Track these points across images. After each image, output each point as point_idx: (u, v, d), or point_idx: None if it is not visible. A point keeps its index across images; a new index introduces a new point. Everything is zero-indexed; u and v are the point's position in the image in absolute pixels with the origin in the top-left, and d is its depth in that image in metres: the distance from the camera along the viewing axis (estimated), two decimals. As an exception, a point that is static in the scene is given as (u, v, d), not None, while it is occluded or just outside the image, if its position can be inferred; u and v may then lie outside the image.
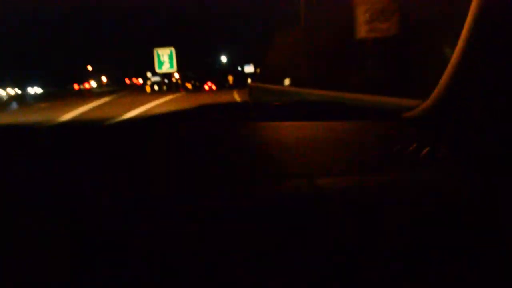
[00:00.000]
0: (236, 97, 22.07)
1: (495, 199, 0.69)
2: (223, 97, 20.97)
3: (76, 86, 54.25)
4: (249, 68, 60.33)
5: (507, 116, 0.76)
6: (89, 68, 66.55)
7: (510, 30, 0.74)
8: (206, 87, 57.71)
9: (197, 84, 69.33)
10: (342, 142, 0.97)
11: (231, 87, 56.96)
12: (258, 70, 25.88)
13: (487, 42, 0.79)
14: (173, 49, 33.25)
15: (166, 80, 39.23)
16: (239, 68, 72.24)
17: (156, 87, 45.79)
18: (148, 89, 34.61)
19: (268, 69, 24.73)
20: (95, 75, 65.29)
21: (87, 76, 62.24)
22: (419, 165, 0.81)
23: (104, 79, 61.76)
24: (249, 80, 21.52)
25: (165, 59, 33.17)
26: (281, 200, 0.67)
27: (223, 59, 70.65)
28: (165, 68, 33.38)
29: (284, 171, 0.80)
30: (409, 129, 1.03)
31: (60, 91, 40.20)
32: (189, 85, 66.59)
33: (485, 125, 0.80)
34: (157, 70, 33.46)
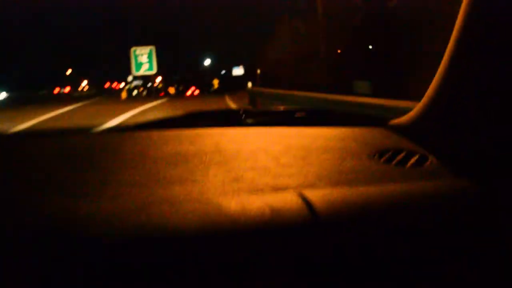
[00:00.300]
0: (231, 104, 18.10)
1: (487, 206, 0.71)
2: (215, 106, 16.91)
3: (56, 90, 52.02)
4: (238, 71, 55.87)
5: (498, 124, 0.78)
6: (69, 71, 64.13)
7: (500, 41, 0.76)
8: (189, 92, 54.41)
9: (181, 88, 66.34)
10: (329, 150, 0.96)
11: (217, 92, 54.23)
12: (258, 71, 21.63)
13: (475, 51, 0.82)
14: (153, 48, 28.65)
15: (149, 84, 34.50)
16: (223, 72, 70.07)
17: (135, 92, 41.66)
18: (124, 95, 29.87)
19: (274, 69, 21.65)
20: (75, 79, 62.25)
21: (65, 80, 59.55)
22: (407, 174, 0.81)
23: (84, 83, 59.78)
24: (249, 84, 17.37)
25: (144, 60, 28.50)
26: (269, 216, 0.64)
27: (207, 61, 68.87)
28: (144, 70, 28.72)
29: (271, 182, 0.77)
30: (396, 136, 1.05)
31: (30, 96, 35.55)
32: (172, 90, 63.21)
33: (475, 134, 0.82)
34: (134, 72, 28.81)
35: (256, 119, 1.35)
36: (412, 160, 0.86)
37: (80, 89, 58.62)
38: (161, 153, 0.96)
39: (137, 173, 0.84)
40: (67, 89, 57.64)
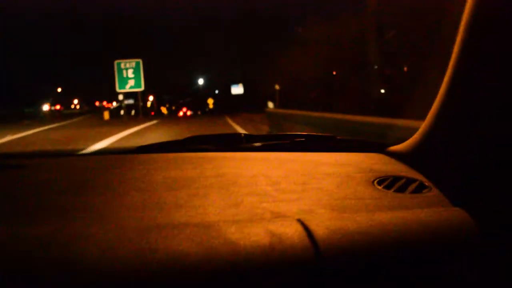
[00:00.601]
0: (239, 129, 13.92)
1: (485, 235, 0.70)
2: (218, 130, 12.66)
3: (47, 107, 50.79)
4: (237, 89, 52.51)
5: (498, 153, 0.77)
6: (59, 89, 62.32)
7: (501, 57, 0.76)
8: (181, 113, 50.52)
9: (173, 108, 62.34)
10: (329, 176, 0.96)
11: (213, 113, 50.59)
12: (277, 87, 17.47)
13: (474, 79, 0.81)
14: (140, 62, 24.44)
15: (141, 103, 30.12)
16: (217, 91, 66.37)
17: (122, 112, 37.71)
18: (106, 115, 25.38)
19: (296, 85, 17.78)
20: (65, 97, 60.67)
21: (56, 97, 58.24)
22: (406, 201, 0.81)
23: (75, 101, 58.24)
24: (269, 105, 13.45)
25: (130, 75, 24.22)
26: (269, 244, 0.64)
27: (200, 81, 65.38)
28: (129, 86, 24.44)
29: (271, 208, 0.77)
30: (395, 163, 1.04)
31: (10, 114, 32.43)
32: (164, 110, 59.69)
33: (475, 162, 0.81)
34: (118, 89, 24.49)
35: (257, 144, 1.35)
36: (412, 187, 0.87)
37: (72, 106, 58.16)
38: (162, 177, 0.97)
39: (139, 197, 0.85)
40: (58, 107, 57.20)
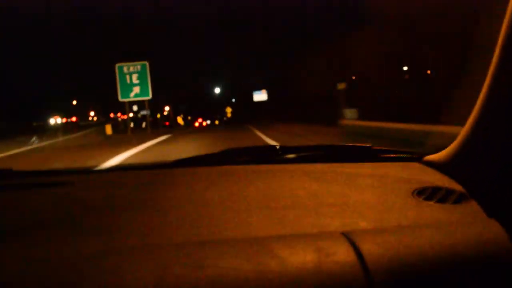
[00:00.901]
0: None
1: None
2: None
3: (62, 120, 50.98)
4: (260, 96, 47.02)
5: None
6: (74, 102, 61.04)
7: None
8: (196, 124, 46.99)
9: (189, 118, 59.05)
10: (368, 187, 0.95)
11: (229, 123, 46.76)
12: (341, 86, 13.18)
13: None
14: (146, 65, 20.29)
15: (148, 114, 26.23)
16: (233, 100, 62.75)
17: (131, 125, 33.95)
18: (108, 130, 21.26)
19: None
20: (81, 109, 59.58)
21: (70, 110, 56.94)
22: (447, 212, 0.80)
23: (92, 113, 57.69)
24: (348, 113, 9.34)
25: (134, 80, 20.04)
26: (317, 261, 0.64)
27: (217, 89, 61.60)
28: (134, 94, 20.23)
29: (314, 222, 0.76)
30: (433, 172, 1.02)
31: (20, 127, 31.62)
32: (180, 120, 56.72)
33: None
34: (120, 98, 20.31)
35: (292, 155, 1.32)
36: (452, 198, 0.86)
37: (90, 118, 58.63)
38: (203, 192, 0.97)
39: (181, 213, 0.85)
40: (74, 119, 57.37)
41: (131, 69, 19.95)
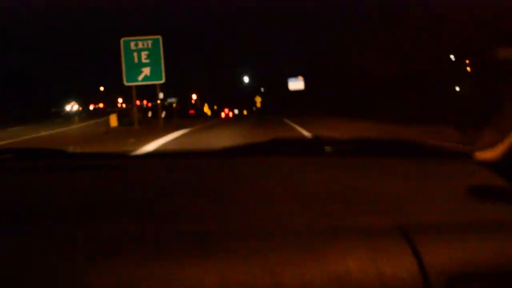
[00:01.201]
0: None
1: None
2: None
3: (69, 107, 50.42)
4: (296, 84, 41.14)
5: None
6: (101, 88, 59.73)
7: None
8: (223, 115, 43.72)
9: (215, 107, 55.56)
10: (420, 185, 0.91)
11: (260, 114, 42.58)
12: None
13: None
14: (159, 39, 16.11)
15: (159, 104, 22.61)
16: (262, 89, 58.18)
17: (149, 114, 30.59)
18: (113, 121, 17.37)
19: None
20: (109, 96, 58.75)
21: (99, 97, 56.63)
22: (504, 214, 0.77)
23: (120, 100, 56.19)
24: None
25: (144, 59, 15.86)
26: (376, 268, 0.63)
27: (246, 78, 57.51)
28: (143, 77, 16.02)
29: (368, 220, 0.73)
30: (485, 171, 0.98)
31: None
32: (207, 110, 53.38)
33: None
34: (126, 81, 16.15)
35: (338, 148, 1.31)
36: (507, 198, 0.83)
37: (119, 105, 57.80)
38: (260, 185, 0.95)
39: (242, 202, 0.85)
40: (101, 105, 56.77)
41: (140, 45, 15.83)
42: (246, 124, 19.28)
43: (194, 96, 57.79)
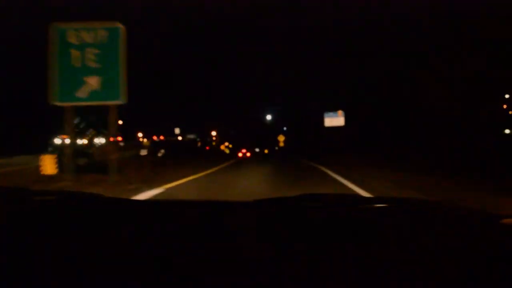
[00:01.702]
0: None
1: None
2: None
3: (59, 140, 42.55)
4: (334, 120, 31.89)
5: None
6: (120, 122, 54.74)
7: None
8: (240, 154, 37.78)
9: (231, 146, 49.71)
10: (454, 251, 0.90)
11: (284, 154, 36.24)
12: None
13: None
14: (119, 29, 9.36)
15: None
16: (285, 128, 52.29)
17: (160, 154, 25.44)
18: (47, 166, 10.48)
19: None
20: (127, 129, 53.99)
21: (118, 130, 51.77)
22: None
23: (140, 134, 53.24)
24: None
25: (89, 62, 9.14)
26: None
27: (268, 116, 51.80)
28: (89, 91, 9.19)
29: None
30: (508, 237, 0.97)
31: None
32: (224, 148, 47.77)
33: None
34: (57, 100, 9.34)
35: (368, 206, 1.30)
36: None
37: (140, 140, 55.57)
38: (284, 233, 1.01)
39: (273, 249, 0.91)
40: (119, 139, 50.27)
41: (85, 37, 9.12)
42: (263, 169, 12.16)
43: (213, 133, 53.62)
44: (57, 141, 34.84)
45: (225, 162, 20.60)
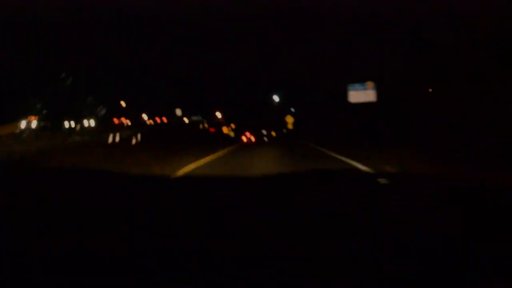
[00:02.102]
0: None
1: None
2: None
3: (29, 123, 41.80)
4: (362, 95, 23.14)
5: None
6: (123, 104, 54.94)
7: None
8: (244, 139, 37.11)
9: (233, 127, 48.88)
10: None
11: (289, 138, 35.17)
12: None
13: None
14: None
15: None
16: (292, 109, 49.87)
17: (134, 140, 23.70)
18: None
19: None
20: (133, 113, 54.55)
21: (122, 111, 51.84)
22: None
23: (144, 116, 53.79)
24: None
25: None
26: None
27: (275, 97, 49.80)
28: None
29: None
30: None
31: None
32: (228, 131, 46.43)
33: None
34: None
35: (389, 181, 1.32)
36: None
37: (148, 123, 56.84)
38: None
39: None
40: (123, 120, 54.88)
41: None
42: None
43: (218, 115, 52.40)
44: (24, 123, 29.65)
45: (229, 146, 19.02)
